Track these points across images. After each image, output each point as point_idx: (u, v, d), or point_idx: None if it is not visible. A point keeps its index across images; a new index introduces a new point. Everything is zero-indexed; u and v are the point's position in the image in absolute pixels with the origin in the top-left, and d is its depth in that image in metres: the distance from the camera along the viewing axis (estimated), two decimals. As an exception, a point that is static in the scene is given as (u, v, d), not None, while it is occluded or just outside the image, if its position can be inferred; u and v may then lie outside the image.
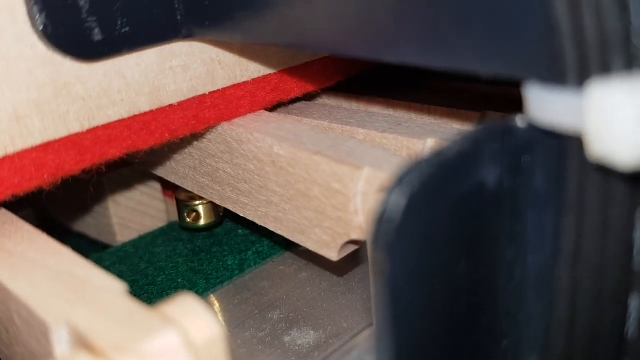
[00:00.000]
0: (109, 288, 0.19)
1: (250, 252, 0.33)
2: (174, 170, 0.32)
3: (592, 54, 0.14)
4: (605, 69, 0.14)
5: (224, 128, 0.28)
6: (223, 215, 0.35)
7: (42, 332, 0.18)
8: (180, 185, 0.32)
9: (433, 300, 0.16)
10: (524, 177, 0.17)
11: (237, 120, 0.28)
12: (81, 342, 0.17)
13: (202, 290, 0.31)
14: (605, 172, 0.15)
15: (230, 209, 0.30)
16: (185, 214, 0.34)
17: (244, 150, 0.27)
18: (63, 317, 0.18)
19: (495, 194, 0.16)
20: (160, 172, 0.33)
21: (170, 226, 0.37)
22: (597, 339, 0.16)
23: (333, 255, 0.25)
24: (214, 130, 0.28)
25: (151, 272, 0.32)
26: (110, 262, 0.34)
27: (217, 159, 0.29)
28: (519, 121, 0.16)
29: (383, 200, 0.14)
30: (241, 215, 0.29)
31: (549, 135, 0.16)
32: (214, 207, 0.34)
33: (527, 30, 0.15)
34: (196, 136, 0.29)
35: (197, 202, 0.34)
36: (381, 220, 0.14)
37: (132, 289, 0.31)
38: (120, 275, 0.33)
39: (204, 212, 0.34)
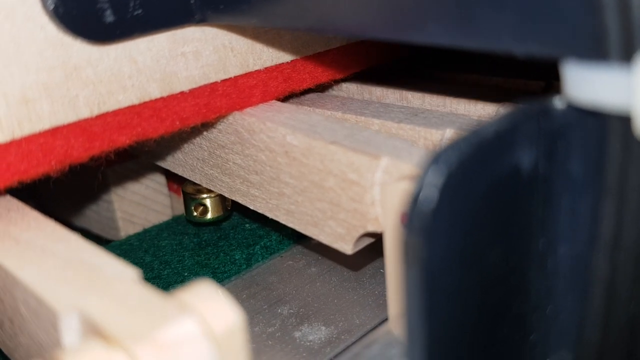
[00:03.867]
0: (121, 275, 0.18)
1: (258, 247, 0.32)
2: (181, 162, 0.31)
3: (638, 26, 0.13)
4: (654, 43, 0.13)
5: (235, 117, 0.27)
6: (231, 209, 0.34)
7: (51, 321, 0.17)
8: (188, 177, 0.32)
9: (466, 288, 0.15)
10: (559, 161, 0.16)
11: (248, 110, 0.27)
12: (93, 330, 0.16)
13: (208, 285, 0.30)
14: (651, 152, 0.14)
15: (240, 201, 0.29)
16: (192, 208, 0.33)
17: (256, 141, 0.27)
18: (73, 304, 0.17)
19: (530, 178, 0.16)
20: (168, 164, 0.33)
21: (175, 219, 0.37)
22: (635, 332, 0.16)
23: (347, 248, 0.24)
24: (224, 120, 0.28)
25: (157, 265, 0.32)
26: (115, 255, 0.33)
27: (227, 150, 0.28)
28: (557, 102, 0.15)
29: (418, 180, 0.13)
30: (251, 208, 0.28)
31: (589, 116, 0.15)
32: (221, 201, 0.33)
33: (565, 3, 0.14)
34: (206, 126, 0.29)
35: (205, 195, 0.33)
36: (417, 201, 0.13)
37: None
38: (124, 267, 0.32)
39: (211, 205, 0.33)
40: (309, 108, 0.30)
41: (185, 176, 0.32)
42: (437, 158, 0.13)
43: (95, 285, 0.18)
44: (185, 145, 0.31)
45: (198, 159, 0.30)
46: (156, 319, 0.15)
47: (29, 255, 0.20)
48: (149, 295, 0.16)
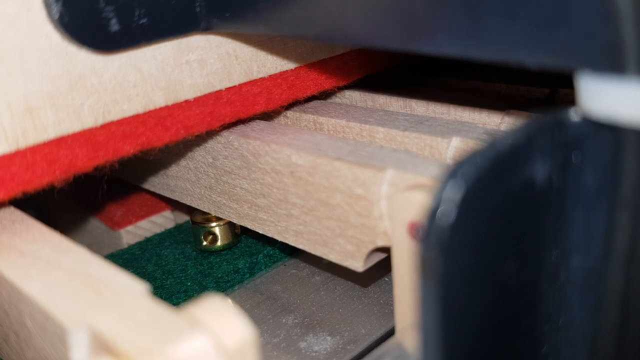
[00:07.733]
0: (130, 289, 0.18)
1: (261, 255, 0.32)
2: (189, 192, 0.31)
3: (657, 40, 0.13)
4: (671, 56, 0.13)
5: (240, 142, 0.27)
6: (240, 234, 0.34)
7: (59, 335, 0.17)
8: (197, 207, 0.31)
9: (481, 302, 0.15)
10: (573, 174, 0.16)
11: (252, 134, 0.27)
12: (102, 346, 0.16)
13: (212, 294, 0.30)
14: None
15: (249, 226, 0.28)
16: (202, 237, 0.33)
17: (261, 163, 0.26)
18: (82, 319, 0.17)
19: (544, 190, 0.16)
20: (177, 195, 0.32)
21: (177, 228, 0.36)
22: (651, 345, 0.16)
23: (358, 265, 0.24)
24: (230, 146, 0.27)
25: (159, 275, 0.31)
26: (117, 265, 0.33)
27: (233, 176, 0.28)
28: (573, 114, 0.15)
29: (436, 194, 0.13)
30: (260, 232, 0.28)
31: (604, 129, 0.15)
32: (230, 228, 0.33)
33: (581, 15, 0.14)
34: (211, 153, 0.28)
35: (214, 224, 0.32)
36: (434, 217, 0.13)
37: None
38: (126, 278, 0.32)
39: (220, 233, 0.32)
40: (312, 128, 0.30)
41: (193, 205, 0.31)
42: (454, 172, 0.13)
43: (104, 300, 0.17)
44: (192, 175, 0.30)
45: (205, 187, 0.30)
46: (168, 334, 0.15)
47: (34, 268, 0.19)
48: (159, 310, 0.16)
